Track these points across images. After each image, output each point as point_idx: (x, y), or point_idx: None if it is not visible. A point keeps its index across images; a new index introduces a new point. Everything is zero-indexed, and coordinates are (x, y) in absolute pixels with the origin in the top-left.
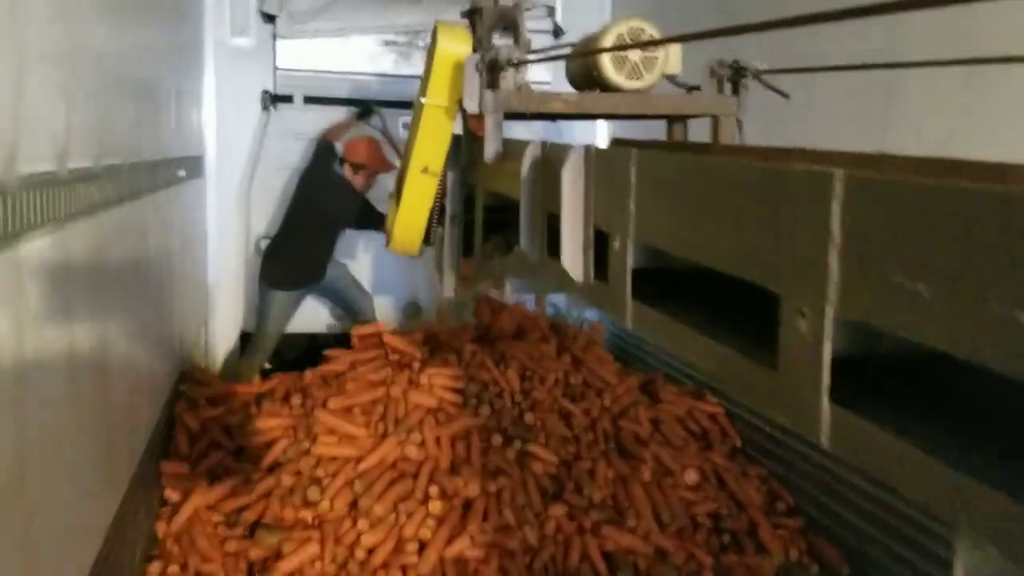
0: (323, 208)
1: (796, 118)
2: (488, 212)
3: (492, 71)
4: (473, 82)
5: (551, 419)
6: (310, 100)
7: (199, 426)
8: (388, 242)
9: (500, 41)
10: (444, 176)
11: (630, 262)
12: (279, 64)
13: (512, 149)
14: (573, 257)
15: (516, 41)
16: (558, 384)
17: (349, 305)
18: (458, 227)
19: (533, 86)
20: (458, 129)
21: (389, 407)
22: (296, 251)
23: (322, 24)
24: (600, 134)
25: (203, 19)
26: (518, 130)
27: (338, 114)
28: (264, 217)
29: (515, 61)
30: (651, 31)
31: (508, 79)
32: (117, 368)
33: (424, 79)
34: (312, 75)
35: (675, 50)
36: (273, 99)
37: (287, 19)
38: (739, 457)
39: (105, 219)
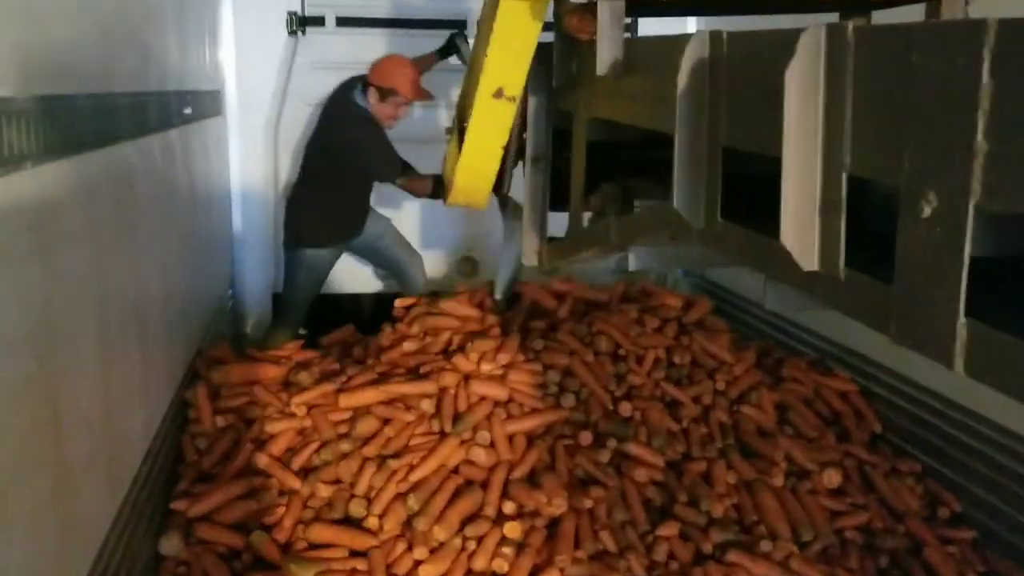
0: (341, 149)
1: None
2: (595, 151)
3: None
4: None
5: (653, 410)
6: (344, 22)
7: (213, 425)
8: (446, 194)
9: None
10: (523, 102)
11: (967, 247)
12: None
13: (644, 53)
14: (802, 228)
15: None
16: (659, 365)
17: (394, 268)
18: (543, 172)
19: None
20: (544, 36)
21: (445, 399)
22: (319, 202)
23: None
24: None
25: None
26: None
27: (378, 39)
28: (295, 161)
29: None
30: None
31: None
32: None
33: None
34: None
35: None
36: (301, 22)
37: None
38: (882, 447)
39: (69, 166)
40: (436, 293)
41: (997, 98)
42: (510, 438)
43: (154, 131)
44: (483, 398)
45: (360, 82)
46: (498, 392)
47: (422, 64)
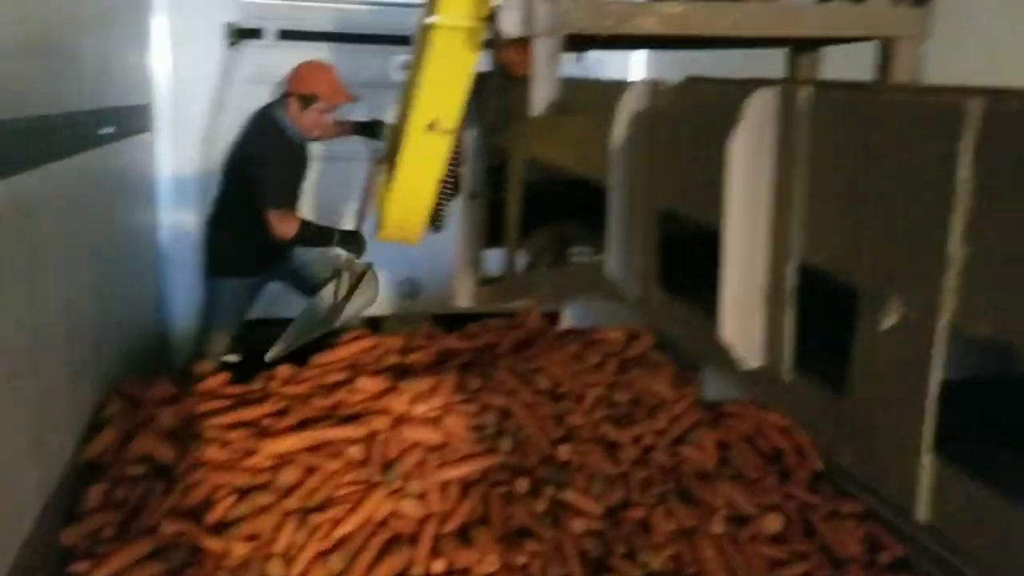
0: (242, 165)
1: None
2: (531, 191)
3: None
4: None
5: (593, 453)
6: (285, 35)
7: (122, 475)
8: (379, 227)
9: None
10: (460, 135)
11: (937, 371)
12: None
13: (581, 95)
14: (741, 319)
15: None
16: (600, 404)
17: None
18: (480, 209)
19: None
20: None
21: (375, 444)
22: (236, 227)
23: None
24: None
25: None
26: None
27: (320, 53)
28: None
29: None
30: None
31: None
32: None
33: None
34: (288, 3)
35: None
36: (240, 34)
37: None
38: (824, 486)
39: None
40: (376, 320)
41: (980, 196)
42: (443, 486)
43: (64, 155)
44: (415, 443)
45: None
46: (431, 437)
47: (337, 128)
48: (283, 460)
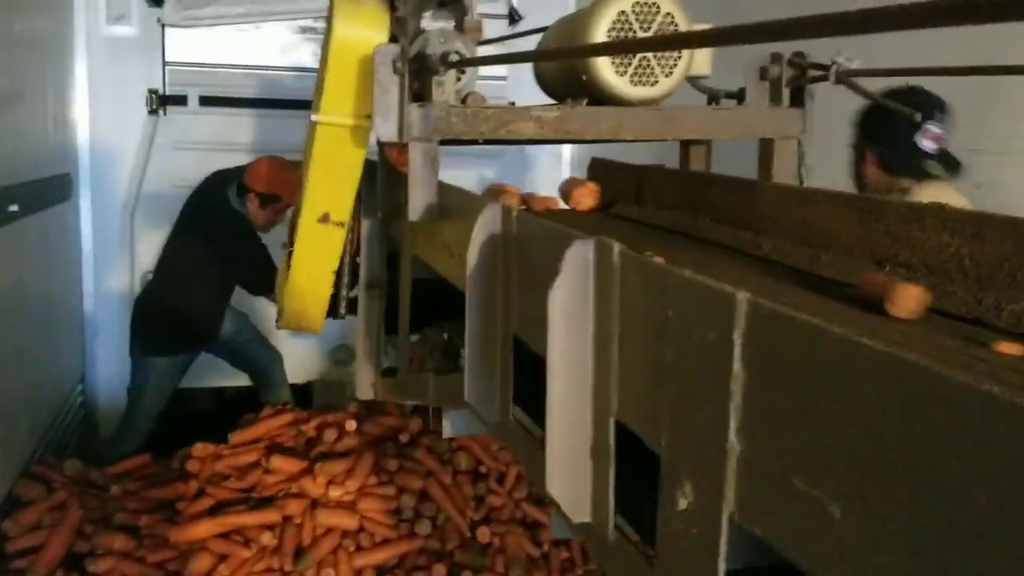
0: (214, 257)
1: None
2: (420, 287)
3: (421, 72)
4: (389, 91)
5: (513, 535)
6: (208, 101)
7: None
8: (278, 316)
9: (434, 24)
10: (357, 223)
11: (722, 563)
12: (169, 57)
13: (454, 203)
14: (567, 474)
15: (459, 24)
16: (521, 483)
17: (252, 367)
18: (378, 299)
19: (487, 92)
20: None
21: (288, 530)
22: (176, 306)
23: (223, 8)
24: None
25: (70, 2)
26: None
27: (243, 120)
28: (153, 247)
29: (458, 55)
30: (670, 7)
31: (447, 85)
32: None
33: (318, 84)
34: (210, 71)
35: None
36: (162, 100)
37: (177, 2)
38: None
39: None
40: (307, 385)
41: (750, 393)
42: (358, 573)
43: None
44: (330, 529)
45: (234, 181)
46: (347, 522)
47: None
48: (195, 546)
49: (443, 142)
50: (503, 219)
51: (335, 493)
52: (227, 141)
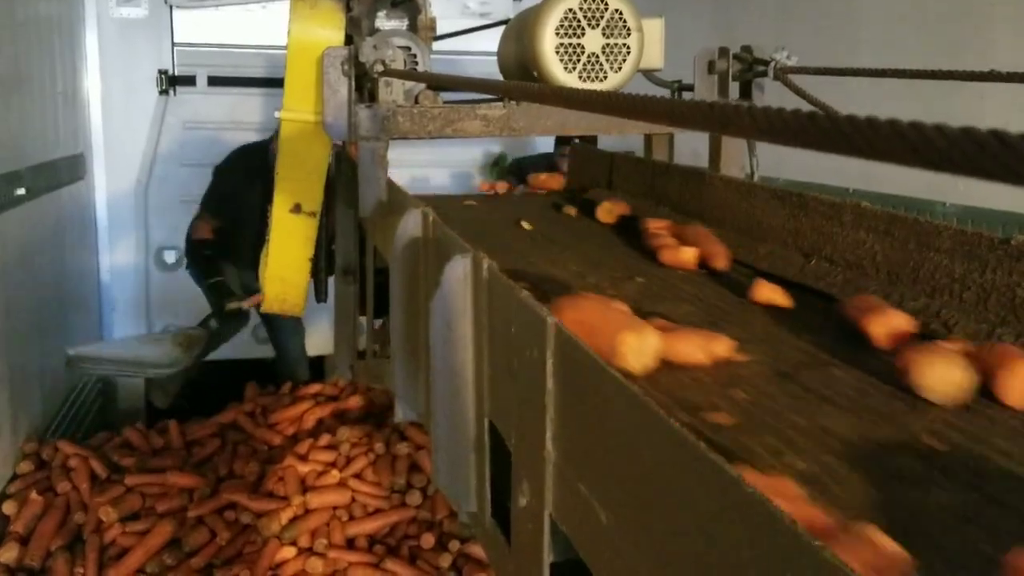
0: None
1: None
2: (382, 276)
3: (367, 73)
4: (338, 92)
5: None
6: (216, 81)
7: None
8: (263, 299)
9: (388, 22)
10: (331, 212)
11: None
12: (177, 38)
13: (396, 202)
14: (451, 468)
15: (412, 23)
16: None
17: (275, 335)
18: (352, 284)
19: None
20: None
21: (281, 505)
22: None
23: None
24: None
25: None
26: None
27: (251, 99)
28: (165, 224)
29: (409, 54)
30: (618, 4)
31: (395, 85)
32: None
33: (286, 82)
34: (218, 51)
35: (654, 33)
36: (172, 81)
37: None
38: None
39: None
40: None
41: (559, 407)
42: (350, 542)
43: None
44: (324, 503)
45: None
46: (339, 498)
47: None
48: (193, 521)
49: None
50: (423, 224)
51: (329, 469)
52: (236, 120)
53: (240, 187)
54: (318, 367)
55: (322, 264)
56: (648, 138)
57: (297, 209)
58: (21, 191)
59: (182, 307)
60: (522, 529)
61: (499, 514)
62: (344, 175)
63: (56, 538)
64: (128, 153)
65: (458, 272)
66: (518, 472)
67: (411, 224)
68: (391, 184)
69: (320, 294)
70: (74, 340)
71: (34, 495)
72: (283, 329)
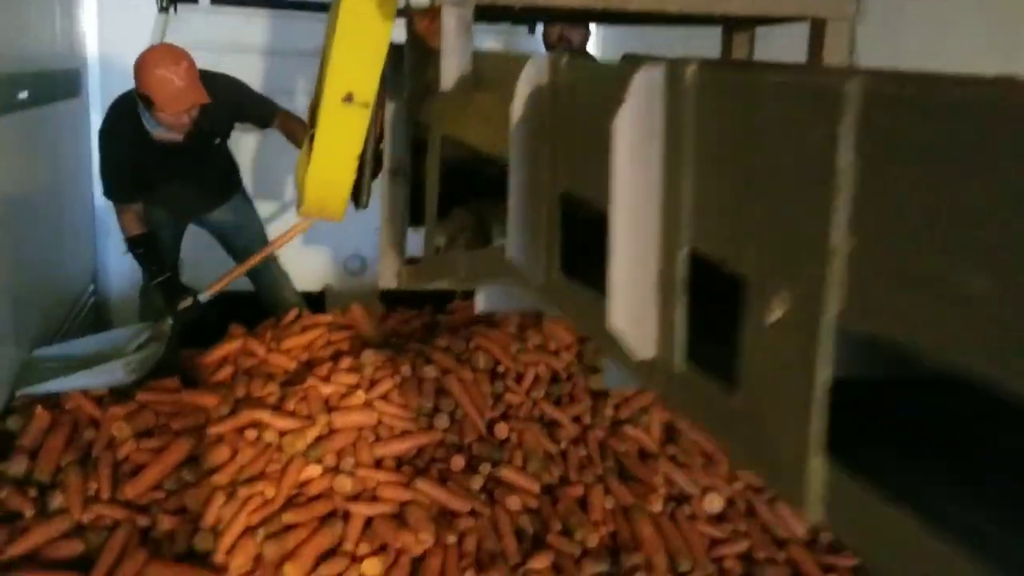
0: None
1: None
2: (449, 170)
3: None
4: None
5: (530, 431)
6: (220, 0)
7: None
8: (298, 204)
9: None
10: (381, 107)
11: (824, 369)
12: None
13: (491, 69)
14: (631, 308)
15: None
16: (539, 383)
17: (257, 283)
18: (402, 186)
19: None
20: (401, 34)
21: (306, 425)
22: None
23: None
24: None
25: None
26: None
27: (257, 20)
28: None
29: None
30: None
31: None
32: None
33: None
34: None
35: None
36: None
37: None
38: None
39: None
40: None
41: (863, 186)
42: (377, 463)
43: None
44: (349, 424)
45: None
46: (365, 419)
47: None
48: (213, 439)
49: (477, 14)
50: (550, 69)
51: (354, 391)
52: (240, 43)
53: (135, 152)
54: (317, 304)
55: (368, 164)
56: (728, 35)
57: (349, 99)
58: (23, 94)
59: None
60: (768, 352)
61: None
62: (409, 58)
63: (66, 453)
64: (125, 74)
65: (647, 85)
66: (762, 289)
67: (536, 72)
68: (480, 54)
69: (361, 198)
70: (70, 264)
71: (40, 409)
72: (263, 270)
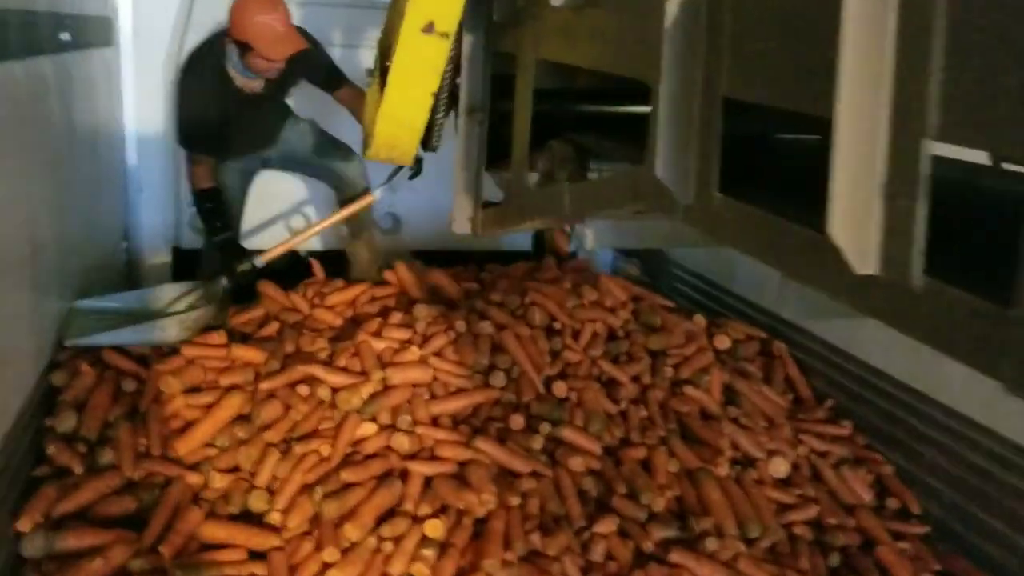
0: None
1: None
2: (544, 101)
3: None
4: None
5: (590, 390)
6: None
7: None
8: (365, 146)
9: None
10: (457, 42)
11: None
12: None
13: None
14: (854, 216)
15: None
16: (598, 340)
17: (327, 175)
18: (480, 125)
19: None
20: None
21: (360, 382)
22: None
23: None
24: None
25: None
26: None
27: None
28: None
29: None
30: None
31: None
32: None
33: None
34: None
35: None
36: None
37: None
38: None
39: None
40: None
41: None
42: (434, 421)
43: (14, 56)
44: (404, 380)
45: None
46: (420, 375)
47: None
48: (264, 396)
49: None
50: None
51: (408, 347)
52: None
53: (216, 101)
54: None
55: (442, 102)
56: None
57: (430, 28)
58: (66, 35)
59: None
60: None
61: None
62: None
63: (113, 408)
64: (157, 23)
65: None
66: None
67: None
68: None
69: (432, 139)
70: (104, 217)
71: (85, 366)
72: (335, 160)
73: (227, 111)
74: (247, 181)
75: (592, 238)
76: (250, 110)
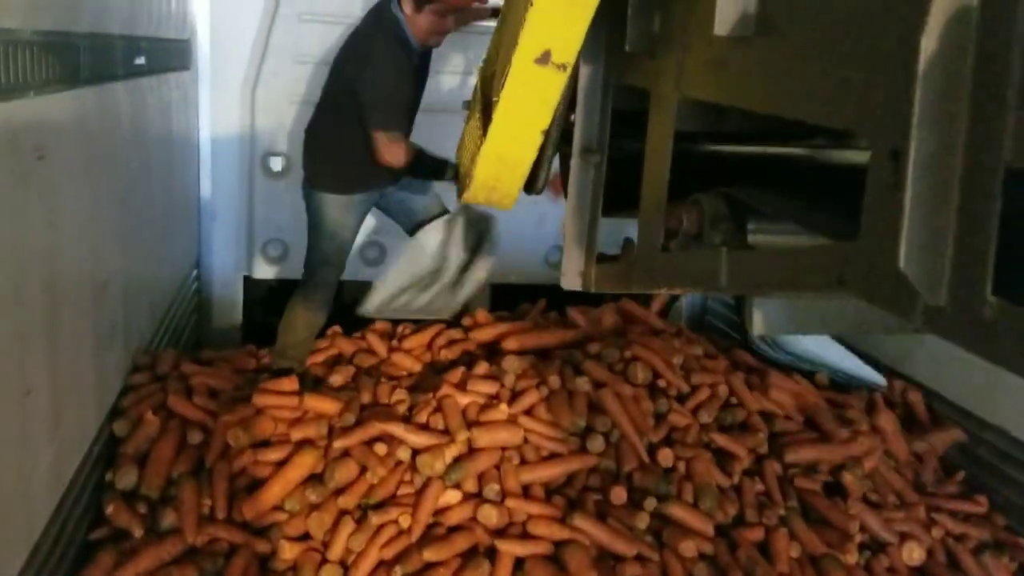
0: (346, 68)
1: None
2: (690, 143)
3: None
4: None
5: (700, 460)
6: None
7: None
8: (462, 188)
9: None
10: (574, 73)
11: None
12: None
13: (796, 7)
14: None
15: None
16: (708, 404)
17: (409, 216)
18: (596, 168)
19: None
20: None
21: (443, 444)
22: (337, 140)
23: None
24: None
25: None
26: None
27: None
28: (275, 124)
29: None
30: None
31: None
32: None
33: None
34: None
35: None
36: None
37: None
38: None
39: None
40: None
41: None
42: (525, 490)
43: (86, 82)
44: (492, 443)
45: None
46: (509, 437)
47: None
48: (338, 453)
49: None
50: None
51: (496, 405)
52: (356, 14)
53: (404, 73)
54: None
55: (552, 140)
56: None
57: (545, 59)
58: (141, 60)
59: (287, 219)
60: None
61: None
62: (630, 7)
63: (177, 463)
64: (235, 46)
65: None
66: None
67: None
68: None
69: (539, 180)
70: (176, 247)
71: (149, 415)
72: (419, 202)
73: (408, 82)
74: (357, 221)
75: (759, 321)
76: (417, 83)
